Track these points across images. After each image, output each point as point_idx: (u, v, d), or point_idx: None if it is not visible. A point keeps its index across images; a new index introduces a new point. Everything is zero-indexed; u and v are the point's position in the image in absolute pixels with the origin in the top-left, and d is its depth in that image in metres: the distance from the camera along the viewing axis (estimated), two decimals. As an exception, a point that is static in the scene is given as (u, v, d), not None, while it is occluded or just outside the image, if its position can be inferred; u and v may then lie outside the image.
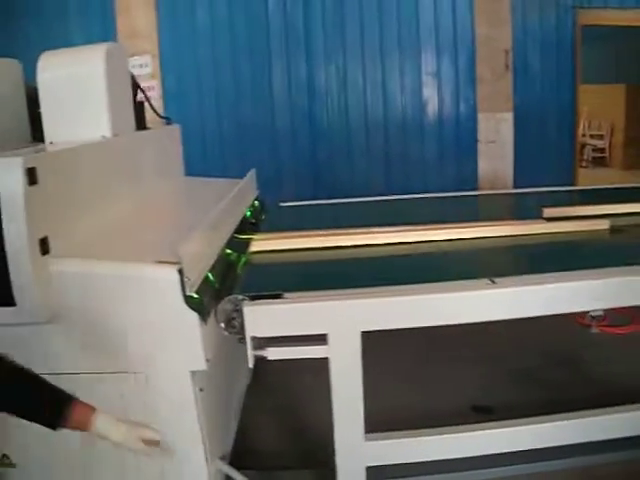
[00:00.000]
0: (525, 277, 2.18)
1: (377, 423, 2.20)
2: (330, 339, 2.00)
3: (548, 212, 3.06)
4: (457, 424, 2.29)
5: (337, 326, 1.98)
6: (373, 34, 6.02)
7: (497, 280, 2.12)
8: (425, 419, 2.40)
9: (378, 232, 2.80)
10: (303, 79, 5.99)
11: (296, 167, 6.05)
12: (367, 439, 2.18)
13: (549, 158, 6.69)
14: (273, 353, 2.06)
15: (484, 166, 6.29)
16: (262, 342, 2.04)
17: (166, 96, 5.99)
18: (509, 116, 6.33)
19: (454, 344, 3.37)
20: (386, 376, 3.24)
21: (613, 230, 2.86)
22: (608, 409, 2.33)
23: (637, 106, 9.98)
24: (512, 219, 3.10)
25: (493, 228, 2.86)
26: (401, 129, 6.16)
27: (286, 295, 2.06)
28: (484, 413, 2.88)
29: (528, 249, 2.79)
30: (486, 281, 2.12)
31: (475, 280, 2.13)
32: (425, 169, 6.19)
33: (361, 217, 3.39)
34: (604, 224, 2.88)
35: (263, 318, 1.99)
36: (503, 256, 2.82)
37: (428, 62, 6.16)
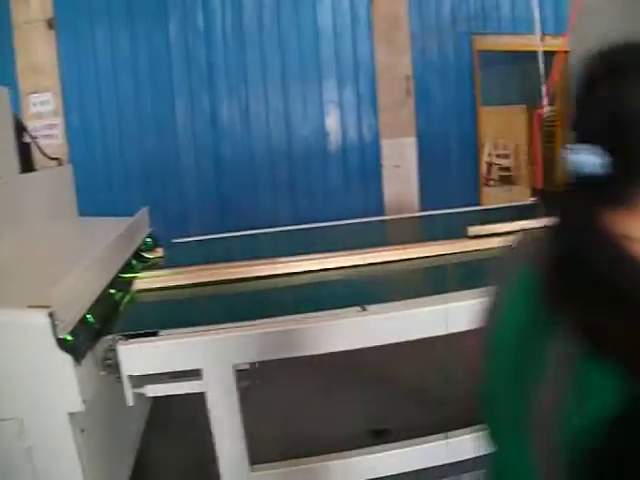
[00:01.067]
0: (396, 303, 2.27)
1: (271, 453, 2.24)
2: (204, 374, 2.04)
3: (472, 230, 3.16)
4: (350, 449, 2.35)
5: (210, 361, 2.03)
6: (275, 66, 6.11)
7: (368, 307, 2.21)
8: (320, 446, 2.45)
9: (279, 262, 2.82)
10: (206, 113, 6.01)
11: (202, 201, 6.03)
12: (253, 470, 2.22)
13: (454, 179, 6.90)
14: (151, 390, 2.09)
15: (390, 191, 6.44)
16: (140, 380, 2.07)
17: (70, 133, 5.94)
18: (412, 141, 6.51)
19: (351, 369, 3.41)
20: (282, 406, 3.27)
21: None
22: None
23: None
24: (437, 239, 3.13)
25: (420, 249, 2.92)
26: (305, 158, 6.24)
27: (161, 332, 2.10)
28: (381, 436, 2.89)
29: (457, 266, 2.87)
30: (357, 309, 2.20)
31: (346, 309, 2.20)
32: (331, 197, 6.28)
33: (260, 249, 3.43)
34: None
35: (138, 356, 2.03)
36: (431, 275, 2.87)
37: (330, 91, 6.28)
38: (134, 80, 5.94)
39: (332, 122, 6.29)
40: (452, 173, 6.91)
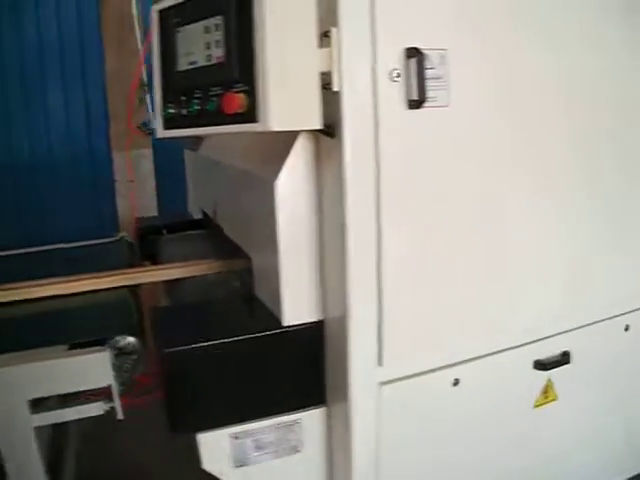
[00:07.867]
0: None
1: None
2: None
3: None
4: None
5: None
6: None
7: None
8: None
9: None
10: None
11: None
12: None
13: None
14: None
15: (124, 208, 6.09)
16: None
17: None
18: (148, 152, 6.20)
19: None
20: None
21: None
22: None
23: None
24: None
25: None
26: (31, 174, 5.69)
27: None
28: None
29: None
30: None
31: None
32: (61, 216, 5.79)
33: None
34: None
35: None
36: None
37: (56, 100, 5.77)
38: None
39: (58, 134, 5.81)
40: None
